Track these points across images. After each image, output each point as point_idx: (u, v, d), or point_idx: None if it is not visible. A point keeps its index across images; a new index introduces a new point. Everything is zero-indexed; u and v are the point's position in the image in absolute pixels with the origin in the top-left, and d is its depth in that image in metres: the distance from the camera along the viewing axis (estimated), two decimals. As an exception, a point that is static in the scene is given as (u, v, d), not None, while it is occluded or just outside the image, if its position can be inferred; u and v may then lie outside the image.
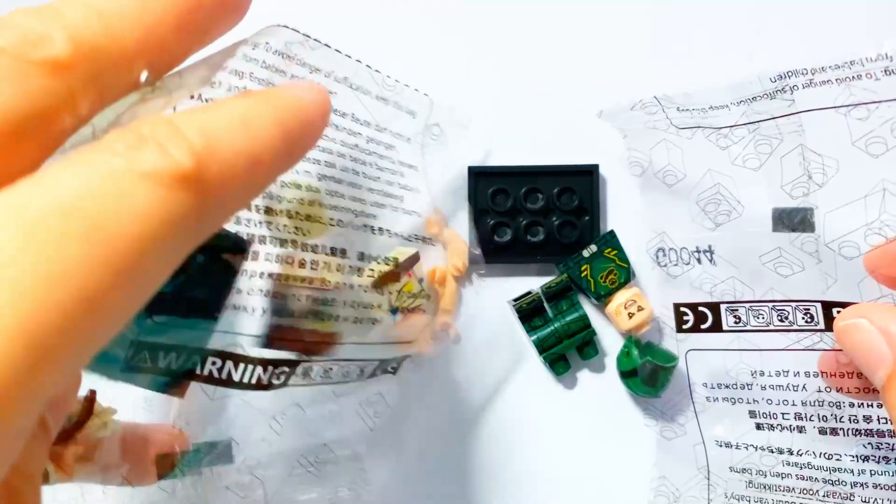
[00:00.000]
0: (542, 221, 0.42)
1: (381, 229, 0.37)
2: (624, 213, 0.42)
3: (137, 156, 0.16)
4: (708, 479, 0.39)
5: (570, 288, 0.41)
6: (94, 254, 0.14)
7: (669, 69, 0.43)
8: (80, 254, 0.14)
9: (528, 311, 0.41)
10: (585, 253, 0.41)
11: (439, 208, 0.42)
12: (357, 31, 0.44)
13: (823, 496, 0.36)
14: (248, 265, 0.30)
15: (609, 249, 0.41)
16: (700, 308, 0.38)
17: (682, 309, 0.39)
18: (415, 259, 0.40)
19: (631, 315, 0.40)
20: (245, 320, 0.31)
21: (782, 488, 0.37)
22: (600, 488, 0.42)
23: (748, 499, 0.38)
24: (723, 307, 0.38)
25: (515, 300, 0.42)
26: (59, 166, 0.15)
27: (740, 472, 0.38)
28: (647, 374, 0.39)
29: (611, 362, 0.42)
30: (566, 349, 0.41)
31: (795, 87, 0.33)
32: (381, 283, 0.39)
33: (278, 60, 0.28)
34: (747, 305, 0.37)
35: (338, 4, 0.44)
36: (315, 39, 0.29)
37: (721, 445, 0.39)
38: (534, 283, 0.42)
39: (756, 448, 0.37)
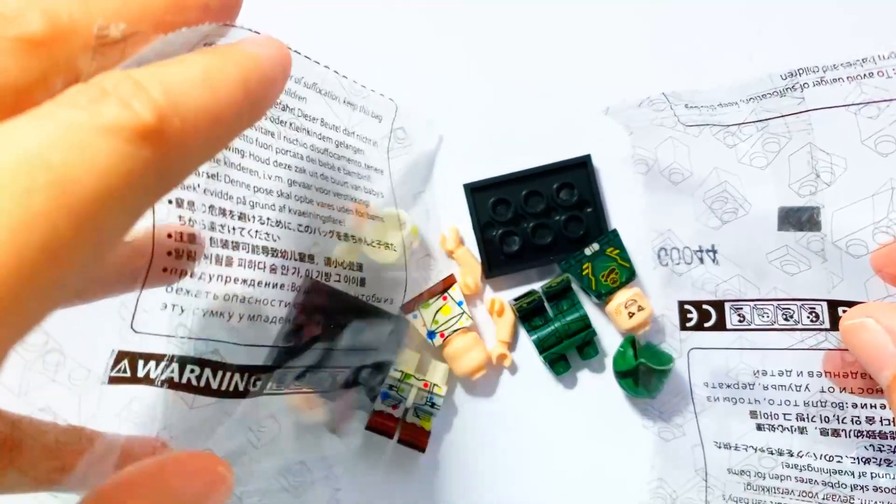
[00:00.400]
0: (547, 222, 0.42)
1: (346, 235, 0.37)
2: (623, 198, 0.42)
3: (99, 109, 0.16)
4: (706, 480, 0.39)
5: (571, 288, 0.41)
6: (57, 206, 0.14)
7: (659, 64, 0.42)
8: (43, 205, 0.14)
9: (529, 311, 0.41)
10: (588, 251, 0.40)
11: (455, 227, 0.42)
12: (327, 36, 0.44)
13: (823, 499, 0.35)
14: (223, 270, 0.31)
15: (611, 248, 0.40)
16: (704, 306, 0.38)
17: (686, 307, 0.39)
18: (449, 282, 0.41)
19: (631, 315, 0.40)
20: (221, 327, 0.31)
21: (781, 490, 0.36)
22: (599, 488, 0.41)
23: (746, 501, 0.38)
24: (727, 305, 0.37)
25: (516, 300, 0.41)
26: (21, 119, 0.15)
27: (739, 473, 0.38)
28: (642, 375, 0.39)
29: (610, 363, 0.42)
30: (566, 349, 0.41)
31: (806, 85, 0.33)
32: (409, 307, 0.40)
33: None
34: (752, 304, 0.36)
35: (330, 6, 0.44)
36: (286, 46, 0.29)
37: (720, 447, 0.38)
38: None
39: (755, 449, 0.37)
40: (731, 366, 0.37)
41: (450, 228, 0.42)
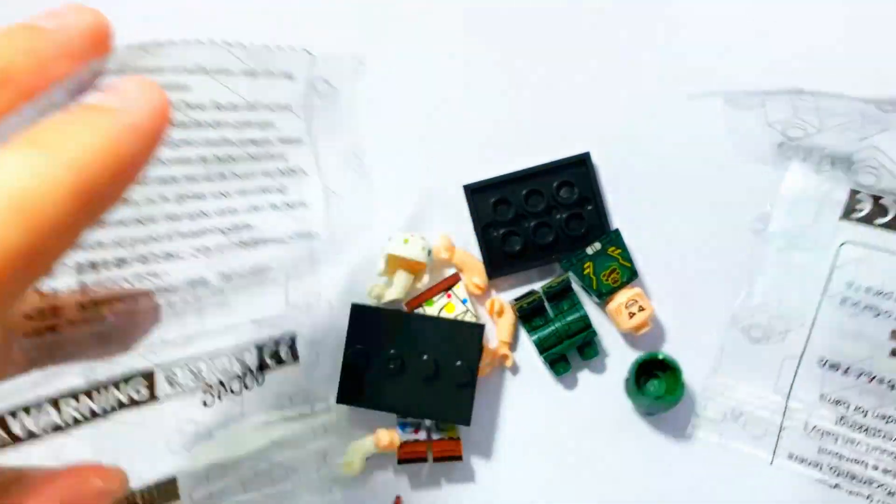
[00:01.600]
0: (548, 221, 0.42)
1: (255, 241, 0.32)
2: (624, 194, 0.41)
3: None
4: (786, 401, 0.32)
5: (571, 288, 0.41)
6: None
7: (659, 63, 0.41)
8: None
9: (529, 311, 0.41)
10: (589, 250, 0.40)
11: (446, 234, 0.41)
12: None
13: None
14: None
15: (613, 248, 0.40)
16: (882, 200, 0.31)
17: (859, 196, 0.32)
18: (454, 279, 0.41)
19: (632, 315, 0.39)
20: None
21: (883, 433, 0.31)
22: (600, 488, 0.41)
23: (835, 436, 0.32)
24: None
25: (516, 300, 0.41)
26: None
27: (834, 403, 0.32)
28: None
29: (611, 363, 0.42)
30: (567, 349, 0.40)
31: None
32: (413, 304, 0.40)
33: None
34: None
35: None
36: (156, 43, 0.23)
37: (824, 365, 0.32)
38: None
39: (869, 378, 0.31)
40: (890, 273, 0.31)
41: (440, 237, 0.41)
